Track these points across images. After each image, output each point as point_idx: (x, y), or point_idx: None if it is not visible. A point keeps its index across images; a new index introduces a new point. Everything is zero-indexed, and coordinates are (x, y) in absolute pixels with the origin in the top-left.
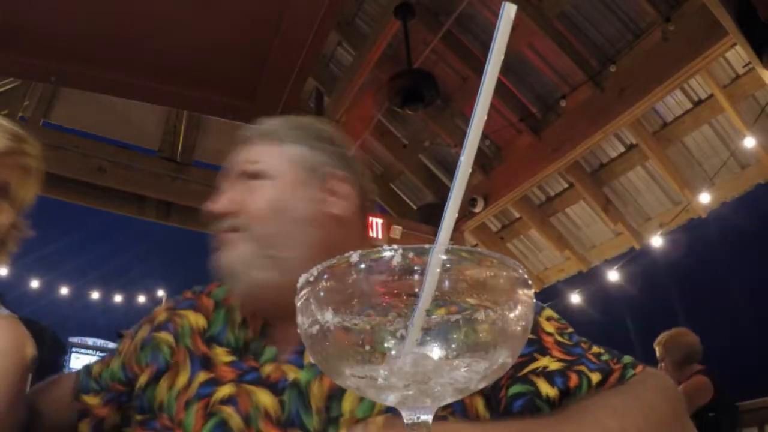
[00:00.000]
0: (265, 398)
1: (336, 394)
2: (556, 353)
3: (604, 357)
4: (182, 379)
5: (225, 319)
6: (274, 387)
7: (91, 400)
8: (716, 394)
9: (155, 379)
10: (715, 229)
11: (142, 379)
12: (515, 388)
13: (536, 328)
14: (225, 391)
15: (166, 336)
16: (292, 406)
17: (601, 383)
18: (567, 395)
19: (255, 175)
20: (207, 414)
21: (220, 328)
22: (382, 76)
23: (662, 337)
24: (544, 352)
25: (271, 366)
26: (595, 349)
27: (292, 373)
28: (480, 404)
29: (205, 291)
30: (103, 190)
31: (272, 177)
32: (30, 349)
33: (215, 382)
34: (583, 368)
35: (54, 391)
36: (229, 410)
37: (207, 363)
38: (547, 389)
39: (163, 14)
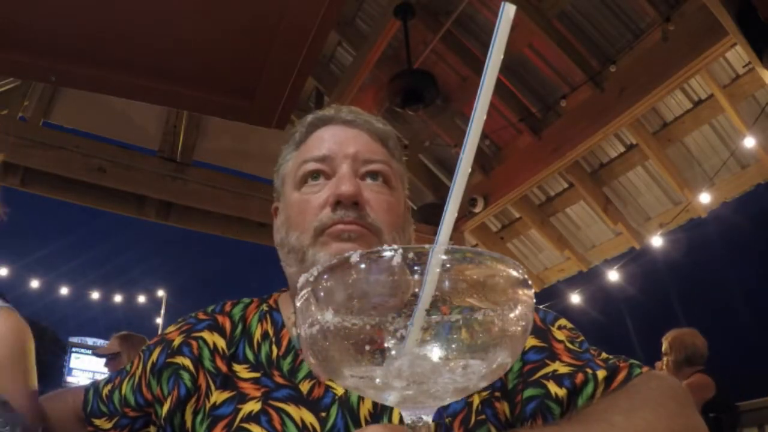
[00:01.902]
0: (300, 415)
1: (380, 405)
2: (566, 359)
3: (612, 360)
4: (207, 404)
5: (242, 337)
6: (315, 404)
7: (104, 424)
8: (716, 394)
9: (180, 406)
10: (715, 229)
11: (165, 407)
12: (529, 392)
13: (547, 336)
14: (249, 408)
15: (184, 361)
16: (338, 421)
17: (608, 379)
18: (575, 393)
19: (383, 178)
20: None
21: (239, 345)
22: (382, 76)
23: (671, 333)
24: (554, 358)
25: (309, 383)
26: (604, 355)
27: (334, 390)
28: (507, 409)
29: (220, 310)
30: (103, 190)
31: (394, 189)
32: (29, 339)
33: (238, 400)
34: (589, 370)
35: (59, 406)
36: (257, 429)
37: (227, 382)
38: (556, 389)
39: (162, 14)
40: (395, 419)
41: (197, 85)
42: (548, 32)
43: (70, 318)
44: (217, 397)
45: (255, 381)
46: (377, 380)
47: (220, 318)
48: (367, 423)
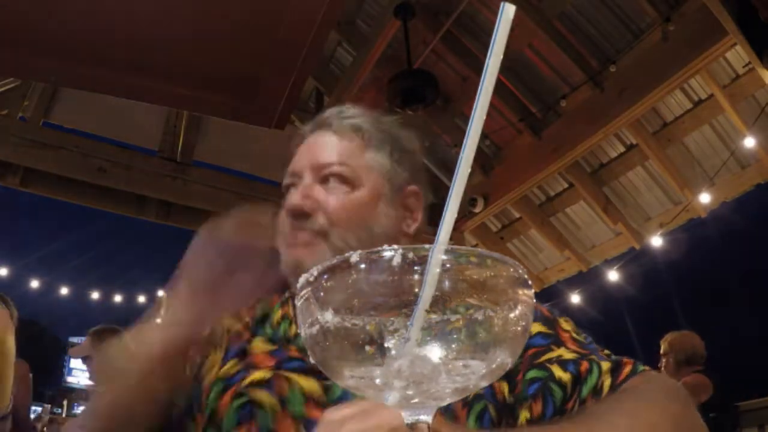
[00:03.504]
0: (308, 383)
1: None
2: (571, 346)
3: (614, 357)
4: (220, 374)
5: (263, 318)
6: (320, 373)
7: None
8: (716, 395)
9: (197, 379)
10: (715, 229)
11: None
12: (532, 373)
13: (555, 325)
14: (259, 375)
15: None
16: (341, 389)
17: (611, 372)
18: (579, 380)
19: (339, 179)
20: (235, 397)
21: (259, 326)
22: (382, 76)
23: (670, 335)
24: (560, 344)
25: None
26: (607, 351)
27: None
28: (506, 388)
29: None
30: (103, 190)
31: (358, 186)
32: (9, 337)
33: (249, 368)
34: (594, 357)
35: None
36: (262, 393)
37: (242, 353)
38: (560, 373)
39: (163, 15)
40: None
41: (197, 85)
42: (548, 32)
43: (70, 318)
44: (231, 366)
45: (270, 353)
46: (377, 380)
47: (243, 310)
48: None
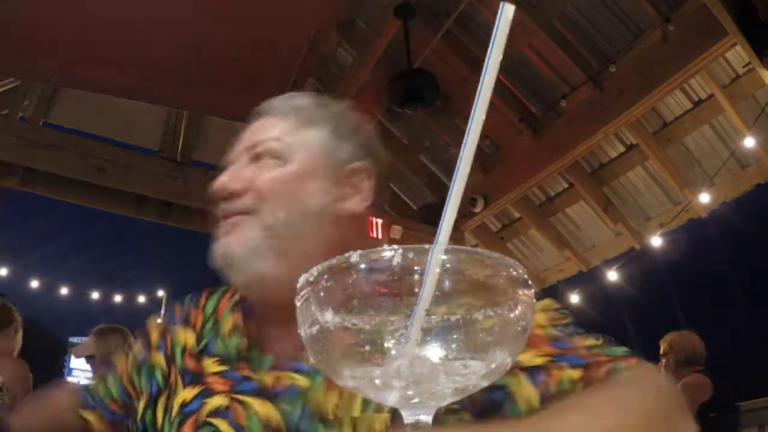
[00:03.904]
0: (264, 409)
1: (346, 396)
2: (543, 348)
3: (596, 350)
4: (177, 402)
5: (214, 330)
6: (275, 396)
7: (90, 415)
8: (716, 394)
9: (152, 403)
10: (715, 229)
11: (141, 405)
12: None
13: None
14: (216, 402)
15: (159, 359)
16: (299, 414)
17: (583, 379)
18: (547, 396)
19: (270, 155)
20: (196, 428)
21: (210, 339)
22: (382, 76)
23: (670, 335)
24: (529, 345)
25: (271, 375)
26: (590, 341)
27: (298, 381)
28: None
29: (195, 304)
30: (103, 190)
31: (289, 161)
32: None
33: (205, 394)
34: (564, 365)
35: (53, 404)
36: (223, 424)
37: (196, 377)
38: (527, 390)
39: (163, 15)
40: (357, 408)
41: (198, 84)
42: (548, 32)
43: (70, 318)
44: (187, 394)
45: (222, 374)
46: (377, 380)
47: (193, 313)
48: (327, 414)
